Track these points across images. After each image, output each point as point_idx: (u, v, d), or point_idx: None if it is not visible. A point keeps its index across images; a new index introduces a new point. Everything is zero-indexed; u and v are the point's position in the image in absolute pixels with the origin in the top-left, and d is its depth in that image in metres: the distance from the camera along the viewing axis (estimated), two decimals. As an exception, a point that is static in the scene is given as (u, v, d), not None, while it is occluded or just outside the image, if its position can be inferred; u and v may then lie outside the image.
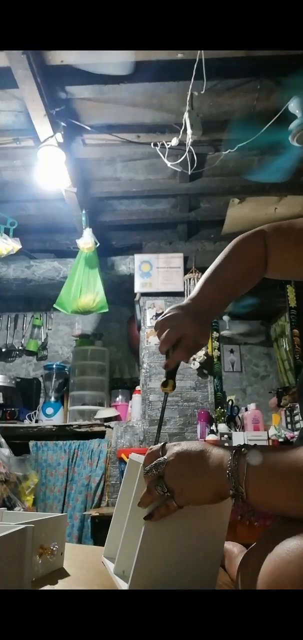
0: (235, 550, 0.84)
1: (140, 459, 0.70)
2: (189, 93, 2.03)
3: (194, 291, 0.87)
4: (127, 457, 2.86)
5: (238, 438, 2.74)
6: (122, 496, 0.83)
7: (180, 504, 0.61)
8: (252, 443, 0.64)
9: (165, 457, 0.63)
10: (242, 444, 0.61)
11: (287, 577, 0.49)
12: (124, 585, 0.66)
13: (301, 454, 0.54)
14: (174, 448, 0.64)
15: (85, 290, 3.02)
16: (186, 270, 3.42)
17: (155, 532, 0.62)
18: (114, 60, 1.97)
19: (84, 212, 2.97)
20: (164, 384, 0.82)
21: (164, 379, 0.82)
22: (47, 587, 0.67)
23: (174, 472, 0.62)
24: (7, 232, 2.98)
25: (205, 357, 3.19)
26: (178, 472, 0.61)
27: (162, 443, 0.66)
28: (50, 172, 2.43)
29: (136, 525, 0.67)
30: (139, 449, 2.89)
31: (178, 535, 0.64)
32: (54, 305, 3.16)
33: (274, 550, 0.53)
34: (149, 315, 3.39)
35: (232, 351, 3.52)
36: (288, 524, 0.54)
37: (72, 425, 3.17)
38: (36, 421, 3.37)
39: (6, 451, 2.57)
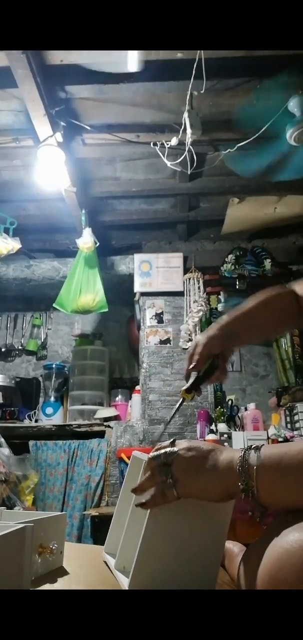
0: (235, 549, 0.84)
1: (144, 456, 0.71)
2: (189, 93, 2.02)
3: (223, 324, 1.00)
4: (127, 457, 2.86)
5: (238, 438, 2.74)
6: (124, 493, 0.83)
7: (181, 494, 0.62)
8: (251, 443, 0.65)
9: (175, 448, 0.64)
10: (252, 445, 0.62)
11: (289, 568, 0.50)
12: (124, 581, 0.66)
13: None
14: (185, 443, 0.65)
15: (84, 290, 3.02)
16: (186, 270, 3.42)
17: (156, 528, 0.62)
18: (120, 59, 1.97)
19: (83, 211, 2.97)
20: (188, 391, 0.91)
21: (188, 386, 0.91)
22: (47, 586, 0.67)
23: (183, 464, 0.62)
24: (6, 231, 2.98)
25: (205, 357, 3.18)
26: (187, 465, 0.62)
27: (172, 439, 0.68)
28: (49, 171, 2.43)
29: (138, 522, 0.67)
30: (139, 449, 2.89)
31: (179, 532, 0.64)
32: (54, 305, 3.16)
33: (276, 542, 0.53)
34: (148, 314, 3.39)
35: (231, 351, 3.51)
36: (290, 520, 0.54)
37: (71, 425, 3.17)
38: (36, 421, 3.37)
39: (6, 451, 2.57)
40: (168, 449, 0.65)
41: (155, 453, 0.65)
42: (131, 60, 1.93)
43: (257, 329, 1.05)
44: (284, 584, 0.50)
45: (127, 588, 0.62)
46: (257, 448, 0.59)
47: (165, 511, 0.63)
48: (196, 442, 0.65)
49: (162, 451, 0.65)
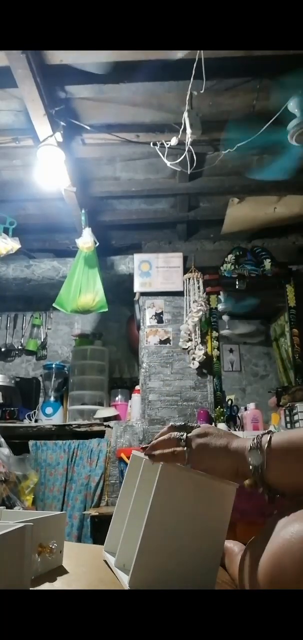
0: (235, 548, 0.84)
1: (143, 455, 0.71)
2: (189, 92, 2.02)
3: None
4: (127, 457, 2.86)
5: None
6: (125, 491, 0.83)
7: (191, 460, 0.65)
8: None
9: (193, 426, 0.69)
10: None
11: (290, 558, 0.51)
12: (124, 578, 0.66)
13: None
14: (203, 425, 0.70)
15: (84, 290, 3.02)
16: (185, 270, 3.42)
17: (157, 526, 0.62)
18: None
19: (83, 211, 2.97)
20: None
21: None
22: (46, 585, 0.67)
23: (200, 433, 0.66)
24: (6, 231, 2.98)
25: (205, 357, 3.19)
26: (203, 436, 0.66)
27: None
28: (49, 171, 2.43)
29: (138, 520, 0.67)
30: (139, 448, 2.89)
31: (180, 528, 0.64)
32: (54, 305, 3.16)
33: (278, 533, 0.54)
34: (148, 314, 3.39)
35: (231, 351, 3.53)
36: (291, 512, 0.55)
37: (71, 425, 3.17)
38: (36, 421, 3.37)
39: (6, 451, 2.57)
40: (188, 424, 0.70)
41: (177, 423, 0.71)
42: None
43: None
44: (285, 574, 0.51)
45: (127, 585, 0.62)
46: (270, 432, 0.62)
47: (166, 508, 0.63)
48: (214, 428, 0.69)
49: (183, 424, 0.70)
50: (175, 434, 0.68)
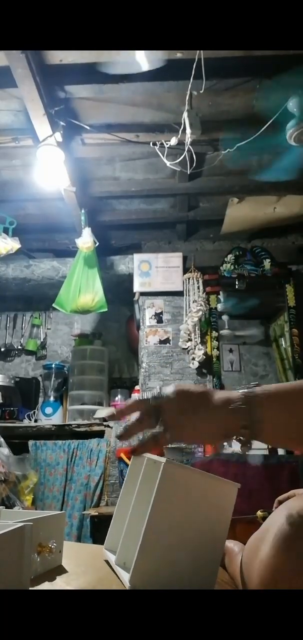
0: (235, 548, 0.84)
1: (145, 454, 0.71)
2: (188, 92, 2.03)
3: None
4: (127, 457, 2.85)
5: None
6: (126, 490, 0.83)
7: (174, 439, 0.59)
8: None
9: (164, 390, 0.61)
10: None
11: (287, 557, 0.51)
12: (125, 576, 0.66)
13: None
14: (173, 385, 0.61)
15: (84, 290, 3.02)
16: (185, 270, 3.42)
17: (158, 524, 0.62)
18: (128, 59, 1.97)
19: (83, 211, 2.97)
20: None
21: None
22: (46, 584, 0.67)
23: (174, 406, 0.59)
24: (6, 231, 2.98)
25: (204, 357, 3.19)
26: (179, 406, 0.59)
27: (159, 386, 0.64)
28: (49, 171, 2.43)
29: (138, 518, 0.67)
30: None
31: (181, 527, 0.65)
32: (53, 305, 3.16)
33: (284, 513, 0.54)
34: (148, 314, 3.39)
35: (231, 350, 3.53)
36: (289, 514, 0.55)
37: (71, 425, 3.17)
38: (35, 421, 3.37)
39: (5, 450, 2.57)
40: (156, 392, 0.60)
41: (143, 396, 0.61)
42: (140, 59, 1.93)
43: None
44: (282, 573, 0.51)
45: (127, 583, 0.62)
46: (257, 385, 0.58)
47: (167, 507, 0.63)
48: (185, 383, 0.62)
49: (151, 394, 0.61)
50: (149, 412, 0.60)
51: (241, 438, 0.56)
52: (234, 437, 0.57)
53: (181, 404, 0.59)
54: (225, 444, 2.72)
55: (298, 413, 0.55)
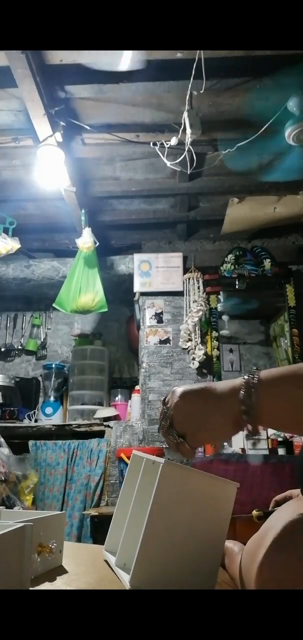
0: (235, 548, 0.84)
1: (143, 454, 0.71)
2: (188, 92, 2.02)
3: None
4: (127, 457, 2.86)
5: (237, 437, 2.74)
6: (125, 491, 0.83)
7: (194, 446, 0.59)
8: (250, 442, 0.65)
9: (168, 404, 0.61)
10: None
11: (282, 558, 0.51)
12: (125, 577, 0.66)
13: None
14: (177, 391, 0.61)
15: (84, 290, 3.02)
16: (185, 270, 3.42)
17: (157, 525, 0.62)
18: (119, 58, 1.97)
19: (83, 211, 2.97)
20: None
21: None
22: (46, 584, 0.67)
23: (182, 416, 0.59)
24: (6, 231, 2.98)
25: (205, 357, 3.19)
26: (187, 414, 0.59)
27: (165, 397, 0.64)
28: (49, 171, 2.43)
29: (138, 519, 0.67)
30: (139, 448, 2.89)
31: (181, 527, 0.65)
32: (53, 305, 3.16)
33: (286, 516, 0.54)
34: (148, 314, 3.39)
35: (231, 350, 3.53)
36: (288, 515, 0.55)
37: (71, 425, 3.17)
38: (35, 421, 3.37)
39: (6, 450, 2.58)
40: (163, 410, 0.62)
41: (159, 423, 0.63)
42: (127, 59, 1.93)
43: None
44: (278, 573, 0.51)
45: (128, 584, 0.62)
46: (258, 369, 0.57)
47: (167, 508, 0.63)
48: (186, 386, 0.61)
49: (161, 415, 0.62)
50: (167, 432, 0.61)
51: (248, 425, 0.56)
52: (244, 426, 0.57)
53: (187, 408, 0.59)
54: (225, 443, 2.72)
55: (295, 396, 0.54)
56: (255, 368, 0.58)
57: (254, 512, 0.80)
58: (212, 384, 0.60)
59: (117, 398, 3.51)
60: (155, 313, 3.39)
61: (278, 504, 0.78)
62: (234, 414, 0.56)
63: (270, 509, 0.81)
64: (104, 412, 3.26)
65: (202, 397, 0.59)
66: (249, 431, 0.56)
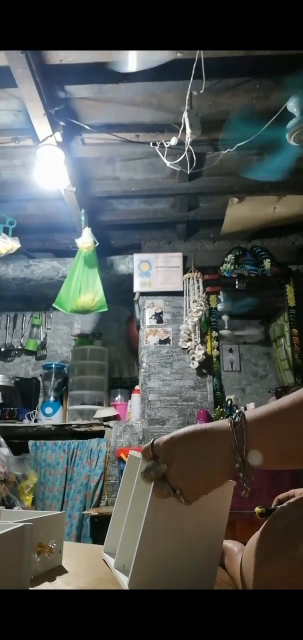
0: (235, 548, 0.84)
1: (140, 455, 0.71)
2: (188, 92, 2.02)
3: None
4: (127, 457, 2.86)
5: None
6: (122, 492, 0.83)
7: (191, 500, 0.58)
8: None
9: (160, 459, 0.59)
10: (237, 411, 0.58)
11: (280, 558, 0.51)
12: (124, 579, 0.66)
13: (299, 393, 0.54)
14: (166, 446, 0.58)
15: (84, 290, 3.02)
16: (185, 270, 3.42)
17: (155, 526, 0.62)
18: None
19: (83, 211, 2.97)
20: None
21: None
22: (46, 584, 0.67)
23: (177, 471, 0.57)
24: (6, 231, 2.98)
25: (204, 357, 3.19)
26: (182, 468, 0.57)
27: (151, 441, 0.61)
28: (49, 171, 2.43)
29: (136, 520, 0.67)
30: (138, 448, 2.89)
31: (178, 527, 0.64)
32: (53, 305, 3.16)
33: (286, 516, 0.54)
34: (148, 314, 3.39)
35: (231, 350, 3.53)
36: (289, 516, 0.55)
37: (71, 425, 3.17)
38: (35, 421, 3.37)
39: (5, 450, 2.57)
40: (153, 465, 0.59)
41: (143, 469, 0.60)
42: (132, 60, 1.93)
43: None
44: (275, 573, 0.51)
45: (126, 586, 0.62)
46: (245, 409, 0.57)
47: (164, 508, 0.63)
48: (179, 434, 0.58)
49: (151, 467, 0.59)
50: (160, 486, 0.58)
51: (240, 468, 0.55)
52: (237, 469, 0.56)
53: (182, 464, 0.57)
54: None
55: (285, 433, 0.54)
56: (239, 411, 0.57)
57: (257, 509, 0.80)
58: (205, 431, 0.58)
59: (116, 398, 3.51)
60: (155, 313, 3.39)
61: (281, 502, 0.78)
62: (229, 462, 0.56)
63: (273, 507, 0.81)
64: (103, 412, 3.26)
65: (196, 449, 0.57)
66: (242, 472, 0.55)
